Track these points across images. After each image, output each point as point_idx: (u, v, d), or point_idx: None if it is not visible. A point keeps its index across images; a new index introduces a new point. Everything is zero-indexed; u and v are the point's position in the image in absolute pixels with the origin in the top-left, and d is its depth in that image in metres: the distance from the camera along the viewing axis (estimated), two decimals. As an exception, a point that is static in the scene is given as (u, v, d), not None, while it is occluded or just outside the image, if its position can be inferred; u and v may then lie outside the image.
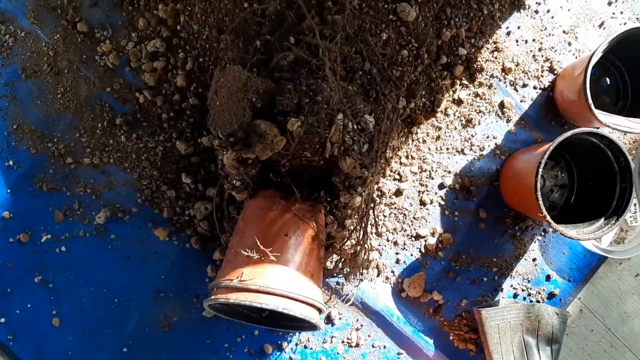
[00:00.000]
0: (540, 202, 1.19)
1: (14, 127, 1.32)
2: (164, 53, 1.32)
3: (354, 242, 1.16)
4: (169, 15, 1.30)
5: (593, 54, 1.20)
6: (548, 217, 1.20)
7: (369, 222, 1.17)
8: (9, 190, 1.32)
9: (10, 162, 1.32)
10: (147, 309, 1.36)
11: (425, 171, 1.40)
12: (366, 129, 1.09)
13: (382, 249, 1.40)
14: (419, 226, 1.41)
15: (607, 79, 1.42)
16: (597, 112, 1.22)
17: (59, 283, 1.34)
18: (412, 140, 1.39)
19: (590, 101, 1.20)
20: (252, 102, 1.02)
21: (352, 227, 1.15)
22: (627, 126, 1.26)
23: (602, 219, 1.28)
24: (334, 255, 1.31)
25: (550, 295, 1.46)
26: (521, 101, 1.43)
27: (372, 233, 1.36)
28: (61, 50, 1.32)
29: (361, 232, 1.15)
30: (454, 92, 1.40)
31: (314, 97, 1.06)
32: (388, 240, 1.41)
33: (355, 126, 1.06)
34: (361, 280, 1.34)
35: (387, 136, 1.12)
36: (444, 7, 1.36)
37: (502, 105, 1.42)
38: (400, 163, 1.39)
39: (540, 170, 1.19)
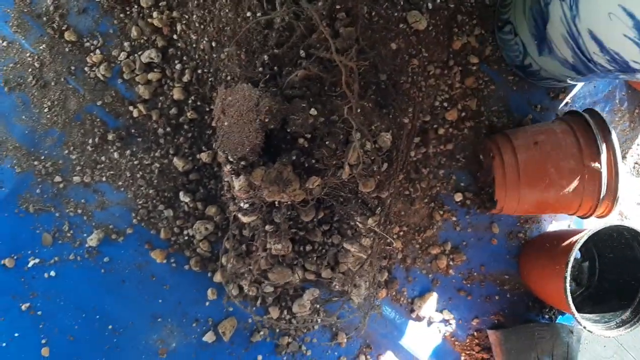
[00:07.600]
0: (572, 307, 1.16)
1: (-4, 144, 1.22)
2: (159, 64, 1.23)
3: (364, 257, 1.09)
4: (165, 23, 1.21)
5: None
6: (578, 317, 1.18)
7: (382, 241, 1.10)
8: (-8, 212, 1.22)
9: (-7, 182, 1.23)
10: (144, 336, 1.28)
11: (435, 187, 1.34)
12: (384, 147, 1.02)
13: (392, 268, 1.34)
14: (430, 243, 1.35)
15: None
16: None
17: (49, 310, 1.25)
18: (422, 154, 1.32)
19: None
20: (265, 124, 0.95)
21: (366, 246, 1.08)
22: None
23: (629, 310, 1.26)
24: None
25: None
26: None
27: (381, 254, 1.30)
28: (47, 60, 1.22)
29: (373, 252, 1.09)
30: (466, 101, 1.34)
31: (329, 117, 0.99)
32: (397, 259, 1.34)
33: (373, 145, 1.00)
34: (371, 308, 1.27)
35: (404, 154, 1.05)
36: (455, 15, 1.30)
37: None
38: (410, 179, 1.32)
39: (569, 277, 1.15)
